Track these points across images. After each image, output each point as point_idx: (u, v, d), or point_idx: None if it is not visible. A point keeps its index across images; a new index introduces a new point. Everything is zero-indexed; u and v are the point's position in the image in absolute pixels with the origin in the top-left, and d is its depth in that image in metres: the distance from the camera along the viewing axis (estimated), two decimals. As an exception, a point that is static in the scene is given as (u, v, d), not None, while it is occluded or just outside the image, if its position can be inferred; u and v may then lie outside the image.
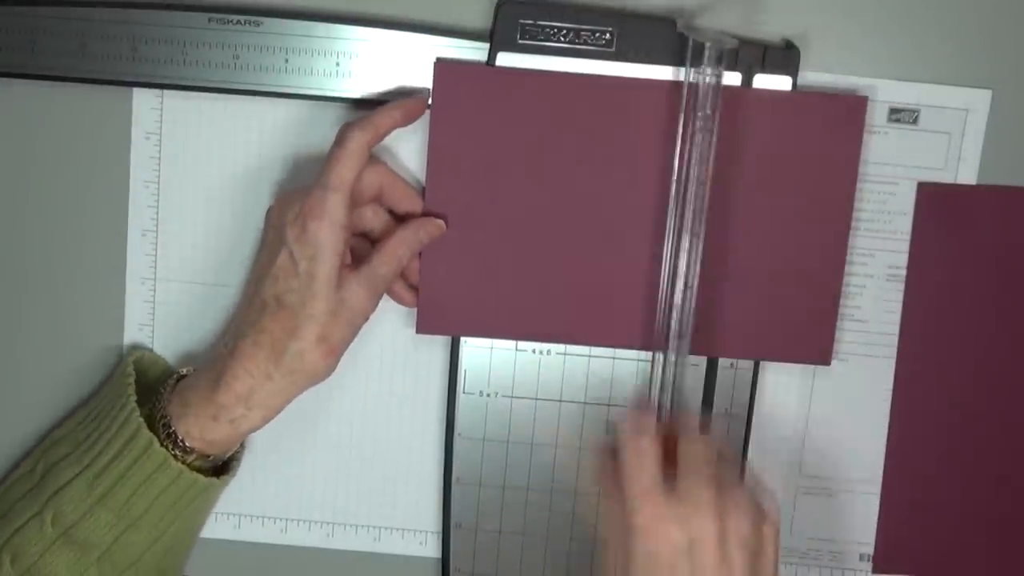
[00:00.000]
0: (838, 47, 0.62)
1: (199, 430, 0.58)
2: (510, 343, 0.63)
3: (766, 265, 0.61)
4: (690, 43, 0.58)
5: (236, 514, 0.67)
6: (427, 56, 0.60)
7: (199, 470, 0.59)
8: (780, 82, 0.60)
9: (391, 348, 0.65)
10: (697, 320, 0.59)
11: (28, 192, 0.64)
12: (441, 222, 0.61)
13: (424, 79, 0.60)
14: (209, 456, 0.59)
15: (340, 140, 0.58)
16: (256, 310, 0.58)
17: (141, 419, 0.58)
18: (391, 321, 0.64)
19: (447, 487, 0.65)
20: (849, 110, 0.61)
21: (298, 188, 0.58)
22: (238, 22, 0.60)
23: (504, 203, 0.61)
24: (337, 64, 0.60)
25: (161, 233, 0.64)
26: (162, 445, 0.58)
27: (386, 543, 0.67)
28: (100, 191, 0.64)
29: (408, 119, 0.59)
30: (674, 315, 0.59)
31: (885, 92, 0.62)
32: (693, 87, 0.58)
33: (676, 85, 0.60)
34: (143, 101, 0.63)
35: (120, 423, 0.58)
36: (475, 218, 0.61)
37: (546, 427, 0.64)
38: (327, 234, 0.56)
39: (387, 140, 0.60)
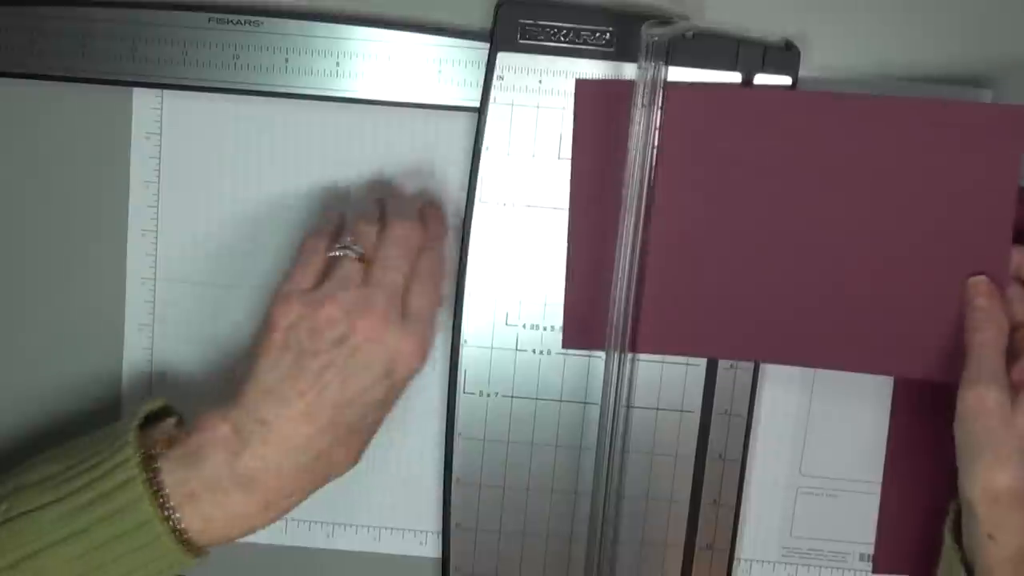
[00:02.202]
0: (838, 47, 0.62)
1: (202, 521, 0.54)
2: (510, 343, 0.63)
3: (921, 279, 0.59)
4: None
5: (236, 514, 0.67)
6: (427, 56, 0.60)
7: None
8: (780, 82, 0.60)
9: (391, 348, 0.65)
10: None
11: (28, 192, 0.64)
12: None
13: (424, 80, 0.60)
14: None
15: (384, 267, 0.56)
16: (328, 437, 0.55)
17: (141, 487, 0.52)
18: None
19: (447, 487, 0.65)
20: (1010, 122, 0.57)
21: (315, 299, 0.55)
22: (238, 22, 0.60)
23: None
24: (337, 64, 0.60)
25: (161, 233, 0.64)
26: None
27: (386, 543, 0.67)
28: (100, 191, 0.64)
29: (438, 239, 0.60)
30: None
31: (884, 92, 0.62)
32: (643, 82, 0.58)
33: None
34: (143, 101, 0.63)
35: (111, 468, 0.53)
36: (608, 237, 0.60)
37: (546, 427, 0.64)
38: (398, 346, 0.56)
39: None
